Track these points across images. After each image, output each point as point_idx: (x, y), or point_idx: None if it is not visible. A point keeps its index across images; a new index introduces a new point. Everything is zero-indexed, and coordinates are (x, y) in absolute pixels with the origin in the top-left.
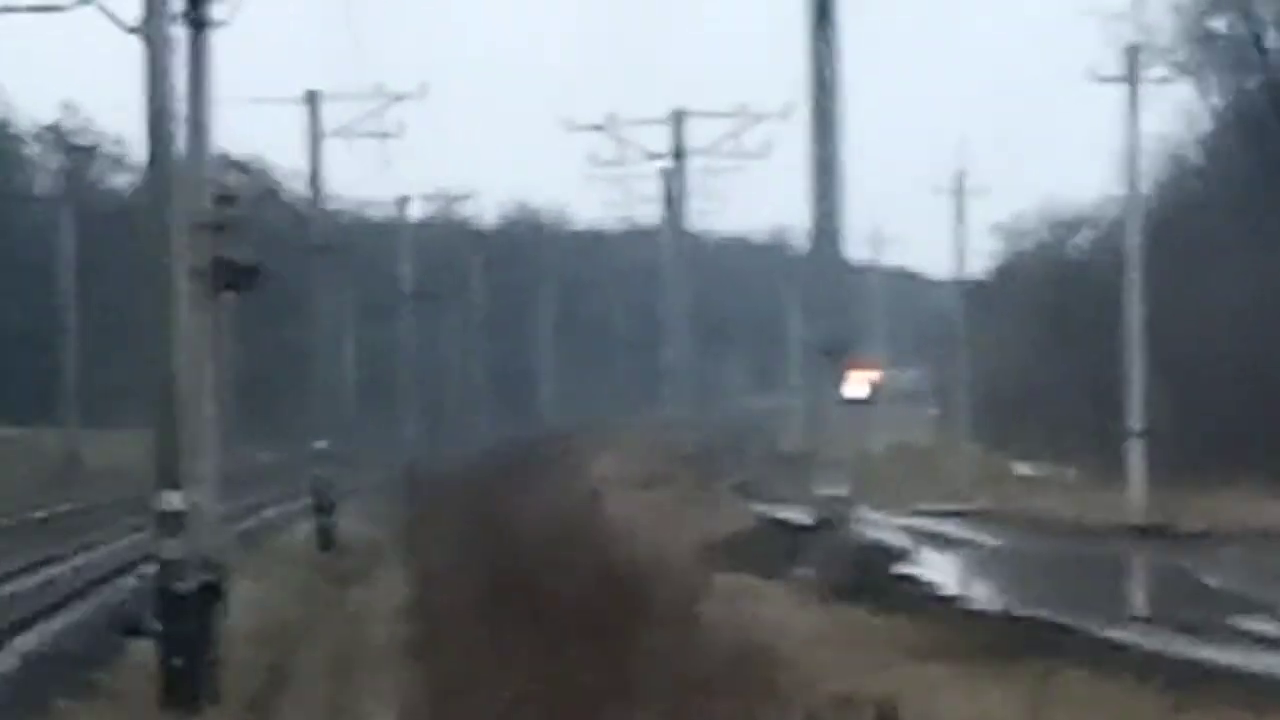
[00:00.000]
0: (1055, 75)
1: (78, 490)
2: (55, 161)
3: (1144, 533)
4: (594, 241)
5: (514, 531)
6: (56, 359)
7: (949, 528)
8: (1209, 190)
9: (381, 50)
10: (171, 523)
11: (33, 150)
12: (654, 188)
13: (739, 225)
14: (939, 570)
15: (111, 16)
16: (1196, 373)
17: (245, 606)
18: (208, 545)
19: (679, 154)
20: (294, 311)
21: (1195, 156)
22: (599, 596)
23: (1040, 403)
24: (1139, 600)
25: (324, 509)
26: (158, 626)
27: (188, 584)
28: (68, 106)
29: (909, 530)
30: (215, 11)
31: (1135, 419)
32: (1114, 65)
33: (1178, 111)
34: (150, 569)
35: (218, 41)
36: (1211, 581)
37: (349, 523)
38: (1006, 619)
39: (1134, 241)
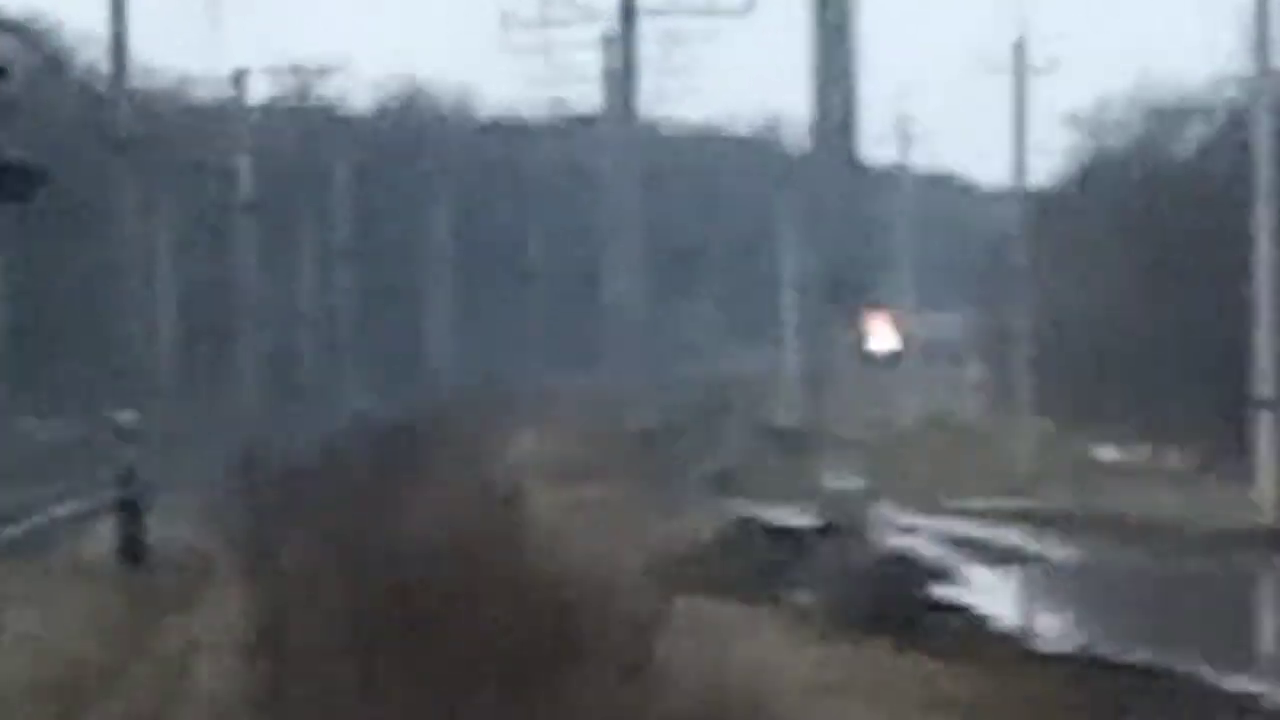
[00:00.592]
0: None
1: None
2: None
3: (1279, 539)
4: (509, 135)
5: (396, 540)
6: None
7: (1004, 534)
8: None
9: None
10: None
11: None
12: (593, 61)
13: (712, 114)
14: (991, 595)
15: None
16: None
17: (18, 646)
18: None
19: (628, 12)
20: (88, 232)
21: None
22: (513, 630)
23: (1132, 362)
24: (1275, 637)
25: (131, 507)
26: None
27: None
28: None
29: (949, 538)
30: None
31: (1266, 384)
32: None
33: None
34: None
35: None
36: None
37: (166, 526)
38: (1088, 664)
39: (1264, 139)
